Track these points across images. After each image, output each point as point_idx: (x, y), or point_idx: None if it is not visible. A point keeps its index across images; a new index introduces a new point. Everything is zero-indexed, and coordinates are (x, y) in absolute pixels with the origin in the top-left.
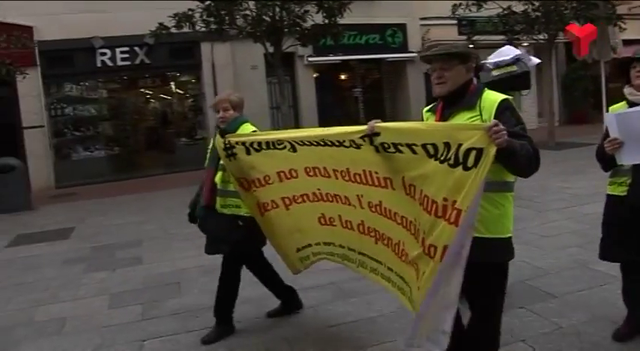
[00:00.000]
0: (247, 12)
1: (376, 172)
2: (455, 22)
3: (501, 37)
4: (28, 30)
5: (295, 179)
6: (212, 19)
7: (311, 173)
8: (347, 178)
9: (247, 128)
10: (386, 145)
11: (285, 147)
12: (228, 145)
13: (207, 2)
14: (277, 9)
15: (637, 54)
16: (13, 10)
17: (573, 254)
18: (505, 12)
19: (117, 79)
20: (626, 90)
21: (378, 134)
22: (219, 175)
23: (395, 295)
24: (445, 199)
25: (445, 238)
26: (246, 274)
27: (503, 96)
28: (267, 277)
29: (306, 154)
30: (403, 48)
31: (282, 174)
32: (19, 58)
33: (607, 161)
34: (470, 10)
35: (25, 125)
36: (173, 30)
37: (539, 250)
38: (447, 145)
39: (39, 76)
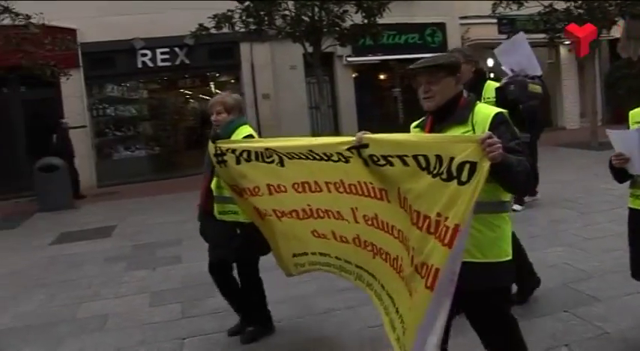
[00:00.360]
0: (286, 12)
1: (371, 183)
2: (495, 20)
3: (542, 35)
4: (72, 32)
5: (284, 193)
6: (251, 19)
7: (300, 190)
8: (341, 189)
9: (242, 132)
10: (375, 158)
11: (273, 161)
12: (219, 152)
13: (247, 3)
14: (316, 9)
15: None
16: (57, 14)
17: (618, 257)
18: (546, 10)
19: (157, 80)
20: None
21: (366, 146)
22: (214, 181)
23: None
24: (439, 215)
25: (437, 260)
26: (281, 275)
27: (497, 109)
28: (248, 290)
29: (295, 168)
30: (442, 47)
31: (271, 187)
32: (62, 59)
33: (617, 172)
34: (510, 9)
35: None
36: (213, 31)
37: (583, 252)
38: (439, 158)
39: (81, 77)
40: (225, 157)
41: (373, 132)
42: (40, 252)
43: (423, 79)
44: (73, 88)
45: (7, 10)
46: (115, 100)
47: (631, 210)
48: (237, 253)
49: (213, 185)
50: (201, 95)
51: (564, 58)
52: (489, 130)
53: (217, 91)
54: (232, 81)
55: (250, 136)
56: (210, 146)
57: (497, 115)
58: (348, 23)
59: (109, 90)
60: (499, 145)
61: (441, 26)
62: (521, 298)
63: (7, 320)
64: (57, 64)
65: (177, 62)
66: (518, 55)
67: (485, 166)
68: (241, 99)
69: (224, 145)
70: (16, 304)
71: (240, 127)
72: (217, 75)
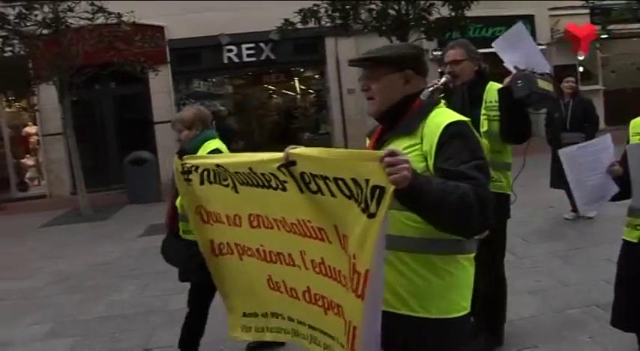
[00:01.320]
0: (372, 6)
1: (309, 221)
2: (587, 11)
3: None
4: (160, 29)
5: (239, 228)
6: (337, 13)
7: (254, 224)
8: (287, 228)
9: (209, 146)
10: (306, 178)
11: (228, 185)
12: (186, 169)
13: None
14: (403, 2)
15: None
16: (146, 12)
17: None
18: None
19: (242, 75)
20: None
21: (294, 163)
22: (179, 198)
23: None
24: (354, 257)
25: (354, 315)
26: None
27: (454, 117)
28: (202, 317)
29: (248, 195)
30: None
31: (229, 218)
32: (151, 56)
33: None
34: None
35: (156, 120)
36: (299, 25)
37: None
38: (355, 182)
39: (169, 73)
40: (191, 176)
41: None
42: (131, 243)
43: (365, 74)
44: (161, 84)
45: (101, 9)
46: (201, 95)
47: (625, 243)
48: (196, 274)
49: (178, 203)
50: (284, 90)
51: None
52: (438, 145)
53: (302, 86)
54: (316, 76)
55: (217, 150)
56: (176, 162)
57: (450, 125)
58: (434, 16)
59: (196, 85)
60: (404, 165)
61: (529, 18)
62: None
63: (102, 308)
64: (146, 61)
65: (263, 57)
66: (521, 50)
67: (389, 193)
68: (205, 111)
69: (190, 161)
70: (110, 294)
71: (207, 142)
72: (302, 70)
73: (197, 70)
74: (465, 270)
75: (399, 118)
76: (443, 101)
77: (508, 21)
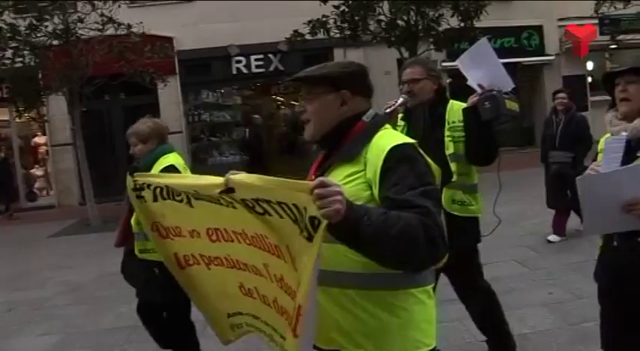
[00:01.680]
0: (381, 17)
1: (267, 237)
2: (596, 21)
3: None
4: (169, 40)
5: (200, 240)
6: (346, 24)
7: (214, 237)
8: (247, 241)
9: (163, 162)
10: (250, 204)
11: (182, 200)
12: (137, 186)
13: (342, 8)
14: (412, 13)
15: (627, 66)
16: (155, 23)
17: None
18: None
19: (251, 86)
20: (608, 116)
21: (232, 190)
22: (134, 216)
23: None
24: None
25: None
26: None
27: (399, 140)
28: (182, 338)
29: (204, 210)
30: (539, 51)
31: (189, 231)
32: (160, 67)
33: None
34: (615, 8)
35: None
36: (308, 36)
37: None
38: (297, 207)
39: (178, 84)
40: (143, 193)
41: None
42: None
43: (303, 94)
44: (170, 95)
45: (110, 20)
46: (210, 106)
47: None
48: (161, 295)
49: (132, 221)
50: (292, 102)
51: None
52: (382, 171)
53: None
54: None
55: (172, 167)
56: (128, 180)
57: (394, 148)
58: (443, 27)
59: (204, 96)
60: (336, 197)
61: (537, 29)
62: None
63: (111, 319)
64: (155, 71)
65: (272, 68)
66: (486, 68)
67: (322, 226)
68: (162, 125)
69: (140, 178)
70: (119, 305)
71: (163, 157)
72: None
73: (206, 81)
74: (422, 304)
75: (339, 142)
76: (388, 125)
77: (517, 31)
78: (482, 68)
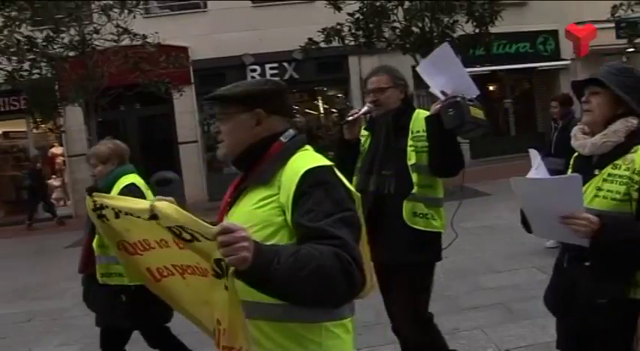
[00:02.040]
0: (396, 24)
1: (199, 262)
2: (612, 25)
3: None
4: (184, 50)
5: (170, 248)
6: (360, 32)
7: (181, 245)
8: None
9: (122, 182)
10: (176, 231)
11: (140, 217)
12: (97, 206)
13: (357, 16)
14: (426, 20)
15: (593, 75)
16: (170, 33)
17: None
18: None
19: None
20: (574, 129)
21: (157, 217)
22: (96, 239)
23: None
24: (218, 322)
25: None
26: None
27: (316, 162)
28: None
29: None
30: (555, 56)
31: (157, 242)
32: (175, 77)
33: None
34: (632, 11)
35: (180, 141)
36: (322, 45)
37: None
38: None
39: (193, 93)
40: (104, 211)
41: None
42: None
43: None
44: (185, 105)
45: (126, 31)
46: None
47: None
48: (130, 321)
49: (94, 244)
50: (307, 110)
51: None
52: (295, 196)
53: (325, 105)
54: (340, 95)
55: (132, 185)
56: (88, 200)
57: (309, 172)
58: (458, 33)
59: None
60: (242, 244)
61: (553, 34)
62: None
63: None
64: (170, 81)
65: (286, 77)
66: (448, 74)
67: (231, 271)
68: (122, 146)
69: (99, 199)
70: None
71: (122, 177)
72: (325, 89)
73: None
74: (337, 338)
75: (255, 163)
76: (309, 146)
77: (532, 37)
78: (445, 74)
